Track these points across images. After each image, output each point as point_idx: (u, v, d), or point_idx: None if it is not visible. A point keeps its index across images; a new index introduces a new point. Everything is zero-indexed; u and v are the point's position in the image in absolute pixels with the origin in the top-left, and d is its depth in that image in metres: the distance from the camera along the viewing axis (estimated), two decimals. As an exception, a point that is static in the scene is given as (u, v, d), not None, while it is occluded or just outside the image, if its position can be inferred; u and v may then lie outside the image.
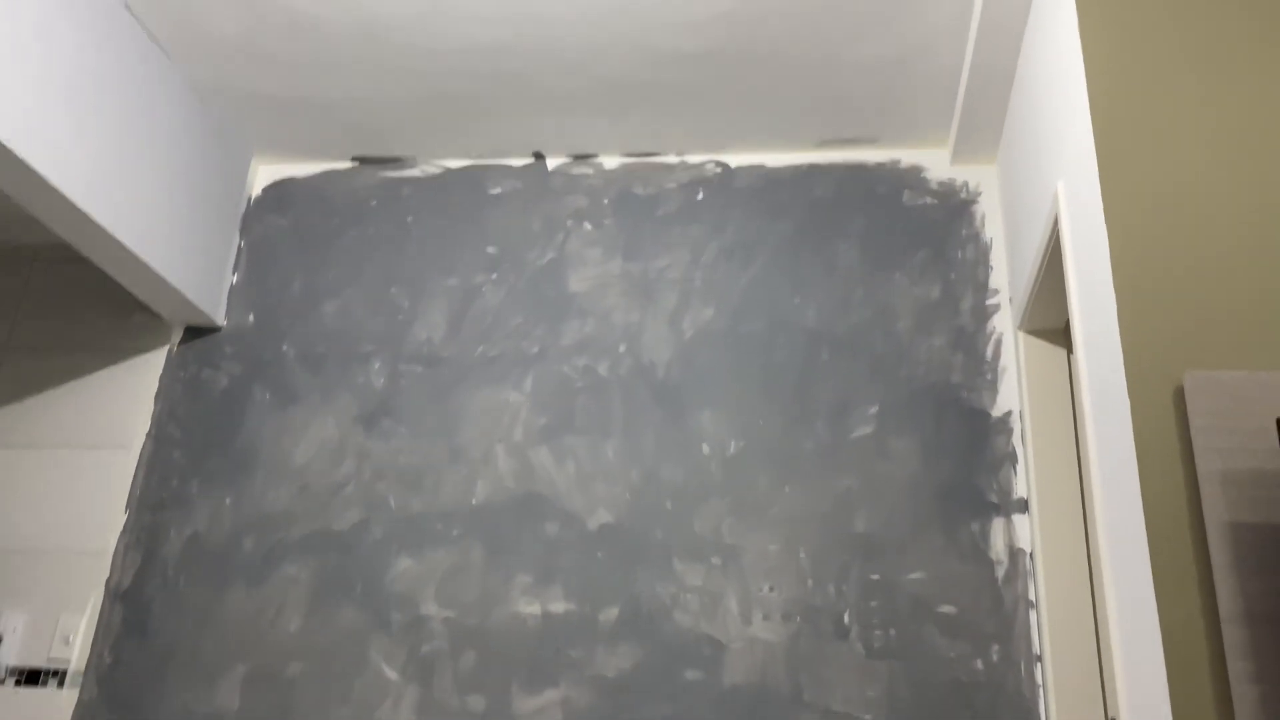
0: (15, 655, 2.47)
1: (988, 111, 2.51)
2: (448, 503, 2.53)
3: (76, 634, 2.48)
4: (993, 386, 2.49)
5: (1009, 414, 2.45)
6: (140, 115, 2.46)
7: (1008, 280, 2.58)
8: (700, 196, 2.80)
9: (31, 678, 2.44)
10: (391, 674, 2.39)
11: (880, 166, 2.77)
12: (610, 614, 2.38)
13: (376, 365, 2.70)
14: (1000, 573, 2.31)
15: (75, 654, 2.46)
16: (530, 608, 2.41)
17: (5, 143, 2.02)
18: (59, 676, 2.44)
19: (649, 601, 2.38)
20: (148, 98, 2.49)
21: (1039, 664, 2.22)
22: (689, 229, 2.76)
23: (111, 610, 2.51)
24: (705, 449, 2.51)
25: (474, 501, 2.53)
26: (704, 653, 2.33)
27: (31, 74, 2.10)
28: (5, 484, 2.66)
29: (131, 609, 2.51)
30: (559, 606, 2.40)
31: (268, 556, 2.53)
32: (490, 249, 2.80)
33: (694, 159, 2.85)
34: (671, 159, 2.86)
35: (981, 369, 2.51)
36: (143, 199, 2.44)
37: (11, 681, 2.44)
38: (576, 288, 2.73)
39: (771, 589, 2.36)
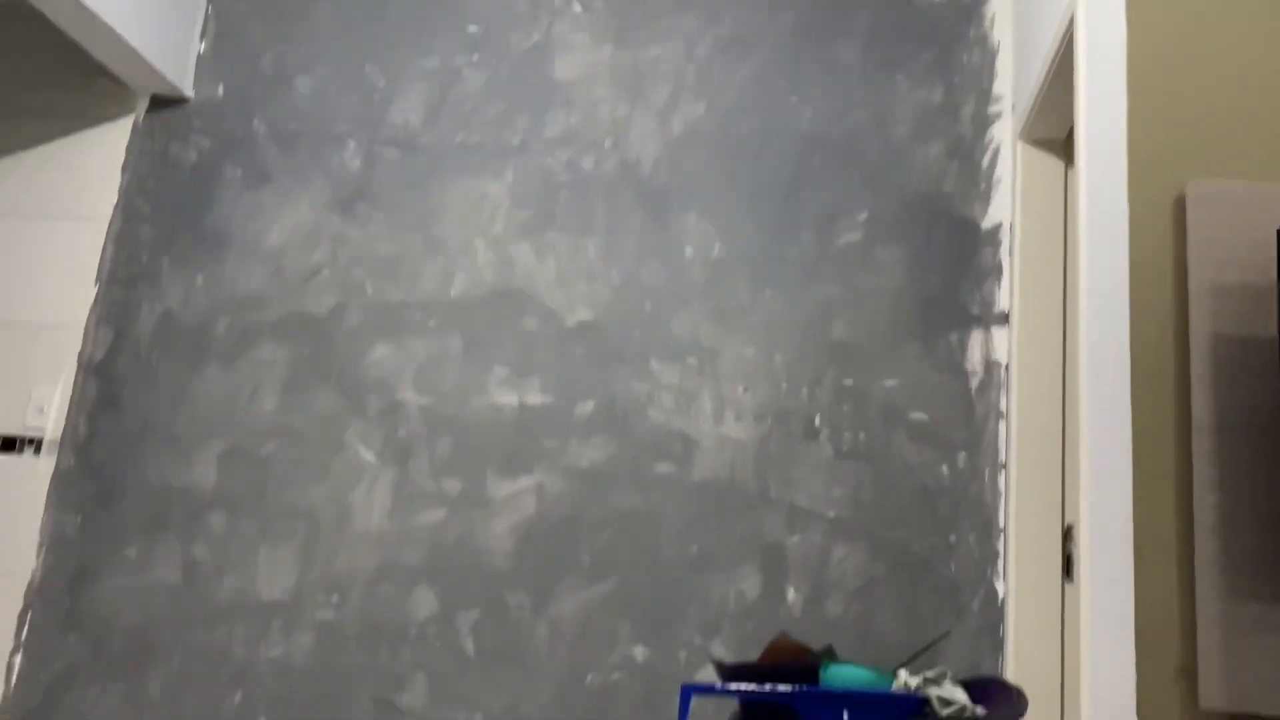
0: (-11, 422, 2.47)
1: (1011, -100, 2.34)
2: (425, 293, 2.50)
3: (51, 404, 2.47)
4: (985, 198, 2.43)
5: (999, 226, 2.41)
6: None
7: (1011, 87, 2.47)
8: (698, -18, 2.63)
9: (8, 444, 2.45)
10: (368, 456, 2.42)
11: (891, -42, 2.60)
12: (586, 408, 2.40)
13: (351, 147, 2.59)
14: (974, 383, 2.33)
15: (50, 424, 2.46)
16: (507, 398, 2.42)
17: None
18: (35, 445, 2.45)
19: (624, 397, 2.40)
20: None
21: (1003, 472, 2.27)
22: (684, 17, 2.61)
23: (85, 383, 2.50)
24: (688, 251, 2.47)
25: (452, 294, 2.49)
26: (675, 448, 2.36)
27: None
28: (-31, 253, 2.58)
29: (105, 383, 2.50)
30: (535, 399, 2.41)
31: (242, 338, 2.50)
32: (472, 28, 2.64)
33: (693, -60, 2.66)
34: (669, -61, 2.67)
35: (976, 179, 2.45)
36: (98, -50, 2.26)
37: (-13, 446, 2.45)
38: (562, 75, 2.60)
39: (745, 390, 2.38)
